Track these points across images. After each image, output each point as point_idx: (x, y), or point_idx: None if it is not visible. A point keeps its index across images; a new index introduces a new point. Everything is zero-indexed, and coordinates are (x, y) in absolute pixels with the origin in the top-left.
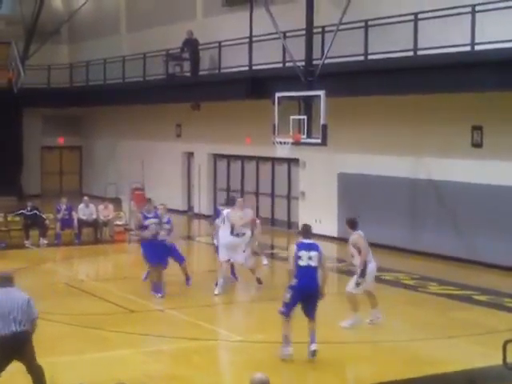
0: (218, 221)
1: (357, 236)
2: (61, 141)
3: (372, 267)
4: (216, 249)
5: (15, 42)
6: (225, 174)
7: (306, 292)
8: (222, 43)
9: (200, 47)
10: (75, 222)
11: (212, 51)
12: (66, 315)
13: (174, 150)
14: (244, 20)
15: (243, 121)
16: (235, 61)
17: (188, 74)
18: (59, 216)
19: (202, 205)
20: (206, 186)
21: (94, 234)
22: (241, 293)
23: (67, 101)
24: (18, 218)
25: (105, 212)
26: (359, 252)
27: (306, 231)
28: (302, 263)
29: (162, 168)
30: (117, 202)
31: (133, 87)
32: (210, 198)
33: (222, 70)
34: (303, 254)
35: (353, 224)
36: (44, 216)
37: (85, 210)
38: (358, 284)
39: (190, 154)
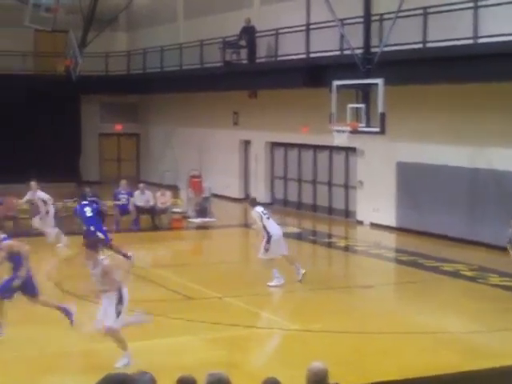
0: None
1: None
2: (119, 128)
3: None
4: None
5: (73, 30)
6: (282, 162)
7: None
8: (280, 31)
9: (257, 35)
10: (132, 208)
11: (269, 39)
12: None
13: (231, 137)
14: (302, 7)
15: (300, 109)
16: (292, 48)
17: (245, 62)
18: (118, 202)
19: (259, 193)
20: (263, 174)
21: (152, 221)
22: (298, 282)
23: (125, 88)
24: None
25: (162, 199)
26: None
27: None
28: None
29: (219, 156)
30: (174, 189)
31: (190, 75)
32: (266, 187)
33: (279, 58)
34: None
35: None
36: (102, 202)
37: (141, 197)
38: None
39: (247, 142)
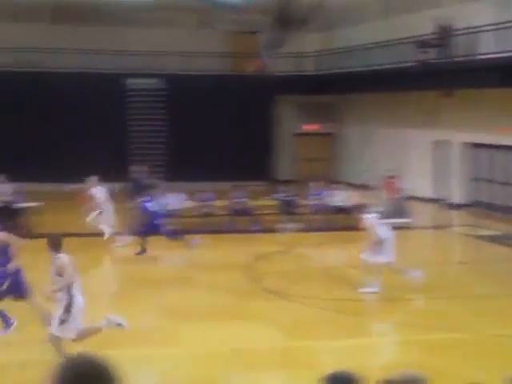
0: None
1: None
2: (314, 127)
3: None
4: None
5: (266, 31)
6: (478, 163)
7: None
8: (475, 29)
9: (453, 33)
10: (326, 208)
11: (464, 37)
12: (321, 300)
13: (425, 138)
14: (498, 4)
15: (497, 109)
16: (489, 47)
17: (439, 61)
18: (312, 201)
19: (454, 194)
20: (458, 176)
21: (347, 221)
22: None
23: (318, 88)
24: (272, 203)
25: (357, 199)
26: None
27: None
28: None
29: (413, 156)
30: (369, 189)
31: (384, 74)
32: (462, 188)
33: (476, 57)
34: None
35: None
36: (297, 201)
37: (336, 197)
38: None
39: (443, 143)
